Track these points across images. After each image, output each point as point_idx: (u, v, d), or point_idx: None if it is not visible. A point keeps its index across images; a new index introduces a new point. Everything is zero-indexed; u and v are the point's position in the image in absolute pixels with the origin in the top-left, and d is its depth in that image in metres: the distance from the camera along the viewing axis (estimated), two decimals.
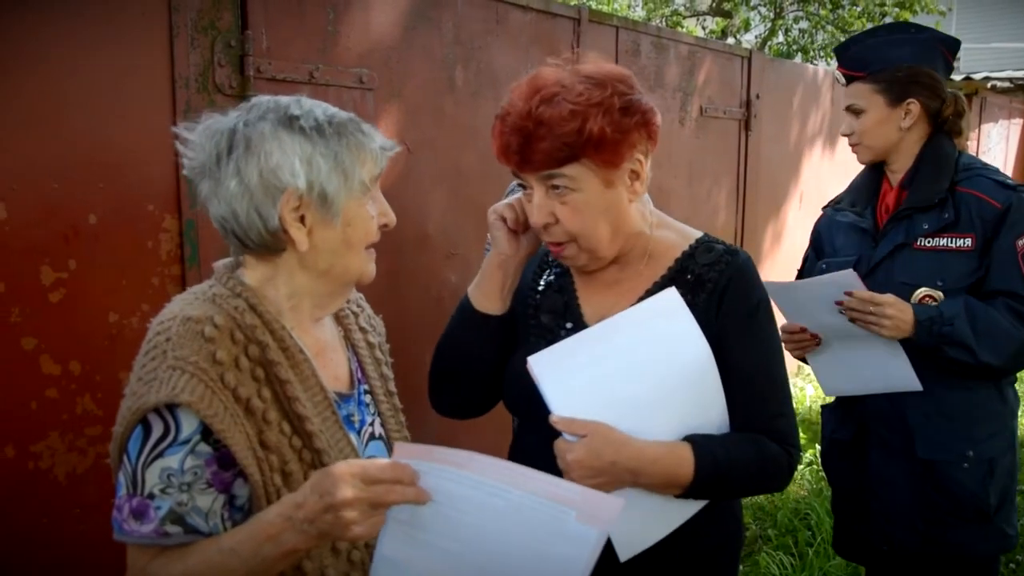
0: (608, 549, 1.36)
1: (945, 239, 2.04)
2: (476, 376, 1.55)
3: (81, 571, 2.16)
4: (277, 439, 1.19)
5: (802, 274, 2.38)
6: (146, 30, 2.23)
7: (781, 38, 10.88)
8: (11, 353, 2.03)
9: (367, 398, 1.41)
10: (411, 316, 2.99)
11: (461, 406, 1.62)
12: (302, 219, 1.21)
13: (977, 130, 8.11)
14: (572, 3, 3.83)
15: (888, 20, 10.12)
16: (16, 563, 2.07)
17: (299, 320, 1.30)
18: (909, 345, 1.97)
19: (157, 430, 1.13)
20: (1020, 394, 2.28)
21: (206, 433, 1.13)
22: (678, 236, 1.52)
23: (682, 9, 11.81)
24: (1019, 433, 2.31)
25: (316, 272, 1.26)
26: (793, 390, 5.67)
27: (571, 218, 1.37)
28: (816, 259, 2.35)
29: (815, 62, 10.41)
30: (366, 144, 1.25)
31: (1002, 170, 2.49)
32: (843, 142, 6.35)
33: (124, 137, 2.20)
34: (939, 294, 2.01)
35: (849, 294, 1.95)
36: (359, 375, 1.41)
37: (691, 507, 1.42)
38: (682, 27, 11.18)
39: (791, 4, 10.72)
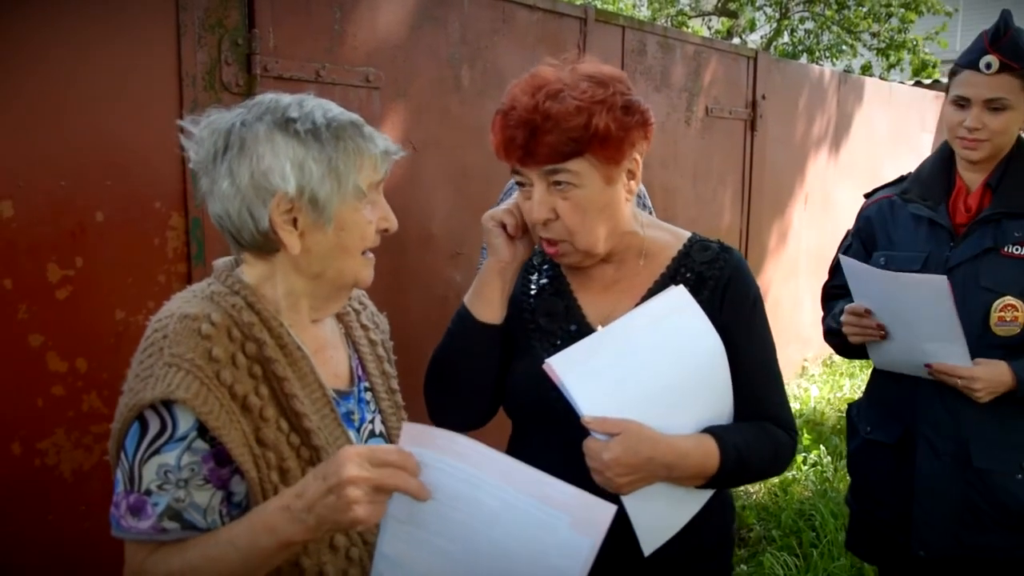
0: (625, 546, 1.39)
1: None
2: (479, 387, 1.54)
3: (86, 568, 2.16)
4: (274, 436, 1.20)
5: (836, 266, 2.28)
6: (153, 28, 2.23)
7: (786, 38, 10.86)
8: (18, 350, 2.04)
9: (367, 395, 1.41)
10: (415, 315, 2.99)
11: (464, 419, 1.59)
12: (295, 222, 1.21)
13: None
14: (578, 3, 3.83)
15: (894, 20, 10.10)
16: (22, 560, 2.08)
17: (298, 318, 1.30)
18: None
19: (154, 427, 1.14)
20: None
21: (202, 430, 1.14)
22: (670, 235, 1.55)
23: (687, 9, 11.79)
24: None
25: (310, 275, 1.26)
26: (798, 391, 5.66)
27: (571, 214, 1.38)
28: (865, 250, 2.23)
29: (821, 63, 10.39)
30: (365, 149, 1.24)
31: None
32: (849, 143, 6.39)
33: (131, 135, 2.20)
34: (1022, 304, 1.95)
35: (929, 366, 1.95)
36: (359, 372, 1.41)
37: (704, 496, 1.46)
38: (687, 27, 11.16)
39: (796, 4, 10.70)
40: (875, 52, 10.41)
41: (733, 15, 11.01)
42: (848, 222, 2.41)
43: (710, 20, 12.14)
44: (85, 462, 2.17)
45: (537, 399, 1.42)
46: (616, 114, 1.34)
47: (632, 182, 1.43)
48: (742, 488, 4.27)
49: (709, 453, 1.36)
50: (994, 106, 1.99)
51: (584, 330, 1.46)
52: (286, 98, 1.25)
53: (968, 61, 2.03)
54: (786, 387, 1.55)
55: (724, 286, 1.46)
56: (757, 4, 10.64)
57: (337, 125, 1.22)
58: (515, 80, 1.42)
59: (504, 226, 1.47)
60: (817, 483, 4.27)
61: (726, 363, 1.42)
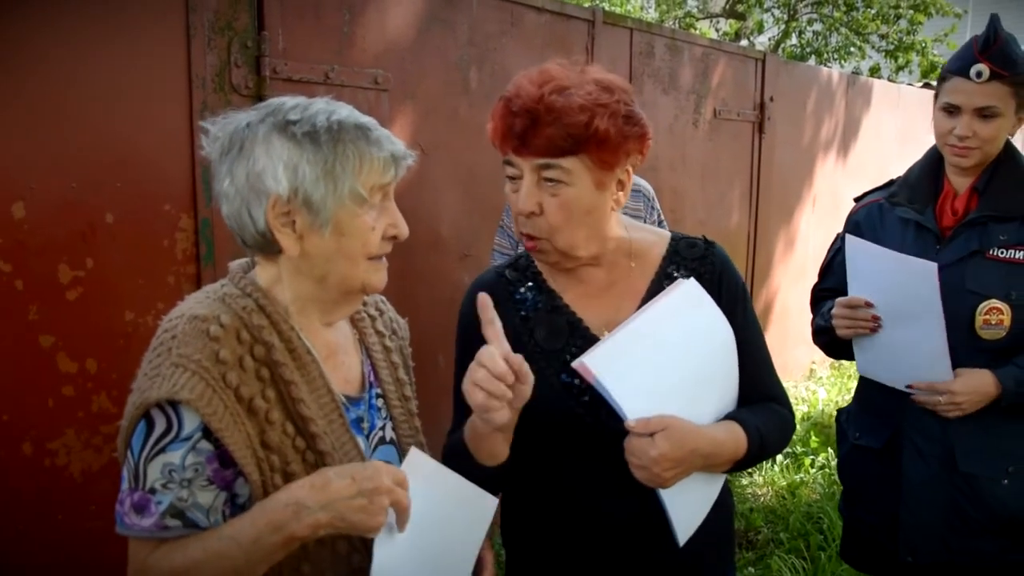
0: (628, 547, 1.42)
1: (1022, 252, 1.98)
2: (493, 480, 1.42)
3: (96, 567, 2.17)
4: (280, 440, 1.20)
5: (827, 269, 2.31)
6: (163, 30, 2.24)
7: (795, 40, 10.84)
8: (28, 351, 2.05)
9: (379, 402, 1.40)
10: (424, 317, 2.99)
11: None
12: (293, 225, 1.21)
13: None
14: (587, 5, 3.83)
15: (903, 22, 10.07)
16: (31, 559, 2.09)
17: (308, 322, 1.29)
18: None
19: (160, 426, 1.14)
20: None
21: (207, 431, 1.14)
22: (653, 235, 1.58)
23: (695, 11, 11.77)
24: None
25: (313, 278, 1.26)
26: (806, 393, 5.64)
27: (556, 212, 1.38)
28: None
29: (829, 64, 10.36)
30: (367, 152, 1.23)
31: None
32: (858, 145, 6.37)
33: (141, 137, 2.21)
34: (1007, 307, 1.96)
35: (911, 387, 1.99)
36: (371, 378, 1.40)
37: (721, 480, 1.51)
38: (695, 29, 11.15)
39: (805, 6, 10.68)
40: (884, 54, 10.37)
41: (741, 17, 10.99)
42: None
43: (718, 22, 12.11)
44: (94, 462, 2.18)
45: (562, 418, 1.42)
46: (617, 120, 1.35)
47: (621, 193, 1.44)
48: (750, 490, 4.26)
49: (739, 439, 1.41)
50: (984, 114, 1.99)
51: (591, 340, 1.44)
52: (292, 101, 1.25)
53: (958, 68, 2.02)
54: (794, 389, 1.58)
55: (718, 279, 1.51)
56: (765, 6, 10.61)
57: (339, 128, 1.22)
58: (523, 72, 1.42)
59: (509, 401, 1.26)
60: (825, 486, 4.26)
61: (736, 351, 1.47)
